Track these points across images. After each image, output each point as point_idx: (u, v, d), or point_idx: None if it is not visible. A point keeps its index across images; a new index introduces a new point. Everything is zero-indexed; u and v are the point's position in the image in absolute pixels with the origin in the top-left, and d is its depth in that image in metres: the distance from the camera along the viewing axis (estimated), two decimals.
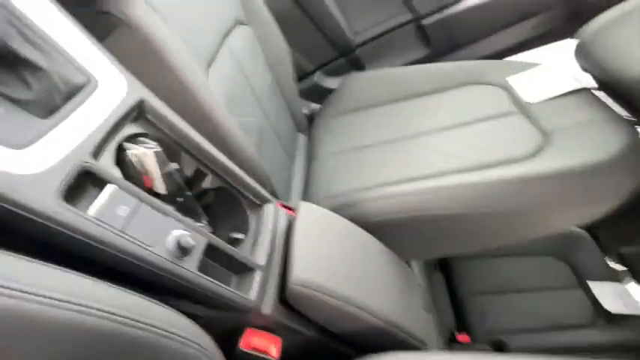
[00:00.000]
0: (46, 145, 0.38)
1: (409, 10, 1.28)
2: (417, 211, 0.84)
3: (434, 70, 1.20)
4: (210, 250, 0.53)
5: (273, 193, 0.83)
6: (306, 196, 1.01)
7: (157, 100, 0.56)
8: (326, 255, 0.63)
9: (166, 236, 0.47)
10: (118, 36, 0.56)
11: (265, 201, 0.71)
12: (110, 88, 0.49)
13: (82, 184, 0.41)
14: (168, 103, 0.60)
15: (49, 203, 0.35)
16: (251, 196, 0.68)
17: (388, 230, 0.84)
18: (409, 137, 1.05)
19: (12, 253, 0.29)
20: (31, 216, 0.34)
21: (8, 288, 0.25)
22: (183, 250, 0.47)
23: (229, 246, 0.56)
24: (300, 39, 1.36)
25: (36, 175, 0.35)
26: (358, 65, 1.44)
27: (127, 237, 0.41)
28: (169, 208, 0.50)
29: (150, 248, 0.43)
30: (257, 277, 0.57)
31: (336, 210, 0.78)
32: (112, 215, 0.41)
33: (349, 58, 1.44)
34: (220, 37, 0.87)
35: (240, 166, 0.71)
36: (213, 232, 0.66)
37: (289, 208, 0.78)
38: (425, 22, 1.28)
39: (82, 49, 0.48)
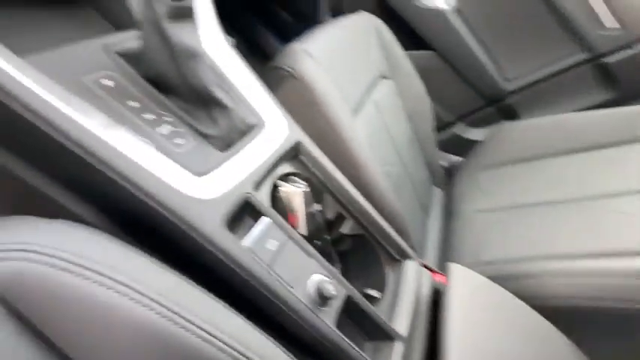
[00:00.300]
0: (219, 175, 0.42)
1: (584, 50, 1.08)
2: (617, 300, 0.60)
3: (619, 117, 0.94)
4: (348, 305, 0.47)
5: (412, 249, 0.74)
6: (447, 257, 0.87)
7: (311, 143, 0.58)
8: (489, 341, 0.49)
9: (307, 279, 0.43)
10: (286, 86, 0.63)
11: (406, 257, 0.62)
12: (275, 129, 0.53)
13: (242, 213, 0.42)
14: (320, 146, 0.61)
15: (213, 227, 0.37)
16: (391, 250, 0.61)
17: (569, 317, 0.62)
18: (591, 198, 0.81)
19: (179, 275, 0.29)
20: (195, 235, 0.36)
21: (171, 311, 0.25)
22: (322, 299, 0.42)
23: (369, 304, 0.49)
24: (442, 89, 1.30)
25: (207, 200, 0.38)
26: (509, 114, 1.28)
27: (273, 273, 0.40)
28: (313, 250, 0.47)
29: (291, 290, 0.41)
30: (398, 349, 0.47)
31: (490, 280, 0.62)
32: (262, 248, 0.40)
33: (498, 107, 1.29)
34: (366, 89, 0.90)
35: (381, 214, 0.66)
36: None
37: (431, 270, 0.67)
38: (608, 60, 1.04)
39: (257, 95, 0.54)
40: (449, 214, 1.04)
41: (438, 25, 1.22)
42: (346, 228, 0.60)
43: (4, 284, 0.23)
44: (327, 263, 0.47)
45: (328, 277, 0.45)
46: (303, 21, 1.40)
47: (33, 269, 0.23)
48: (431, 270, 0.66)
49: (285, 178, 0.56)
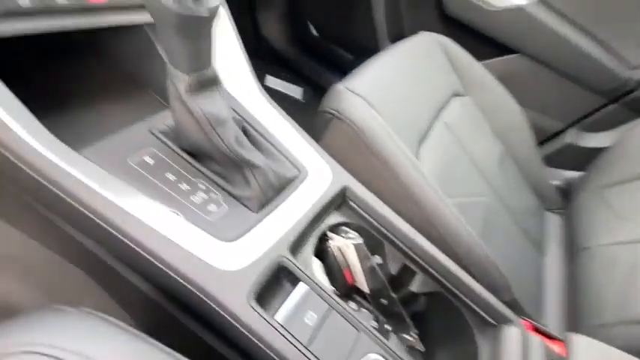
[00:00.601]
0: (251, 238, 0.39)
1: None
2: None
3: None
4: None
5: (514, 305, 0.57)
6: (574, 312, 0.65)
7: (361, 186, 0.52)
8: None
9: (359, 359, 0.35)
10: (333, 129, 0.59)
11: (504, 320, 0.47)
12: (317, 178, 0.49)
13: (277, 279, 0.38)
14: (378, 189, 0.55)
15: (239, 302, 0.34)
16: (480, 311, 0.48)
17: None
18: None
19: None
20: (220, 310, 0.33)
21: None
22: None
23: None
24: (539, 95, 1.09)
25: (234, 272, 0.35)
26: None
27: (311, 356, 0.33)
28: (365, 322, 0.39)
29: None
30: None
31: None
32: (299, 324, 0.35)
33: (624, 102, 1.00)
34: (434, 112, 0.80)
35: (462, 264, 0.53)
36: (426, 353, 0.49)
37: (547, 335, 0.50)
38: None
39: (298, 144, 0.52)
40: (572, 248, 0.80)
41: (519, 24, 1.05)
42: (417, 284, 0.50)
43: None
44: (383, 339, 0.38)
45: (386, 357, 0.36)
46: (365, 55, 1.39)
47: None
48: (546, 335, 0.49)
49: (335, 229, 0.51)
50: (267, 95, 0.55)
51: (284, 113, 0.53)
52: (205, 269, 0.34)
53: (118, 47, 0.55)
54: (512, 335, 0.45)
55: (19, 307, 0.67)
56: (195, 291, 0.34)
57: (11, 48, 0.37)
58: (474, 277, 0.54)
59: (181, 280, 0.33)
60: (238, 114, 0.51)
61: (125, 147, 0.41)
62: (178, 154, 0.43)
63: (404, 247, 0.50)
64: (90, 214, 0.34)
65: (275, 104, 0.55)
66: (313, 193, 0.47)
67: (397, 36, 1.34)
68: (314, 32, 1.47)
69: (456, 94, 0.94)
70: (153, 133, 0.44)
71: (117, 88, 0.56)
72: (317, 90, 1.54)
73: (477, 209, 0.72)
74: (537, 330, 0.50)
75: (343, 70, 1.47)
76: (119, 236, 0.34)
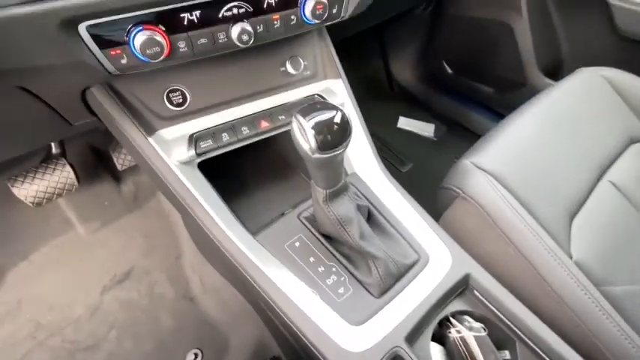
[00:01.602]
0: (372, 325, 0.45)
1: None
2: None
3: None
4: None
5: None
6: None
7: (486, 274, 0.51)
8: None
9: None
10: (457, 208, 0.60)
11: None
12: (437, 263, 0.52)
13: None
14: (507, 278, 0.52)
15: None
16: None
17: None
18: None
19: None
20: None
21: None
22: None
23: None
24: None
25: (358, 354, 0.42)
26: None
27: None
28: None
29: None
30: None
31: None
32: None
33: None
34: (597, 173, 0.67)
35: None
36: None
37: None
38: None
39: (420, 227, 0.55)
40: None
41: None
42: None
43: None
44: None
45: None
46: (509, 89, 1.26)
47: None
48: None
49: (458, 316, 0.51)
50: (394, 181, 0.60)
51: (407, 195, 0.58)
52: (335, 349, 0.43)
53: (279, 142, 0.73)
54: None
55: (214, 324, 0.94)
56: None
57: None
58: None
59: (317, 353, 0.43)
60: (365, 197, 0.59)
61: (283, 234, 0.55)
62: (318, 239, 0.54)
63: (537, 349, 0.46)
64: (258, 287, 0.49)
65: (397, 183, 0.60)
66: (433, 280, 0.50)
67: (552, 64, 1.17)
68: (449, 71, 1.44)
69: (636, 141, 0.76)
70: (301, 220, 0.57)
71: (279, 168, 0.74)
72: (451, 126, 1.48)
73: None
74: None
75: (484, 104, 1.38)
76: (275, 307, 0.47)
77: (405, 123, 1.54)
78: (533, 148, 0.65)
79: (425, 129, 1.51)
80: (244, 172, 0.75)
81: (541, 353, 0.46)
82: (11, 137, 0.60)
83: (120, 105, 0.51)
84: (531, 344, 0.46)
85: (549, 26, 1.12)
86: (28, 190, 0.92)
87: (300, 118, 0.39)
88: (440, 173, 0.67)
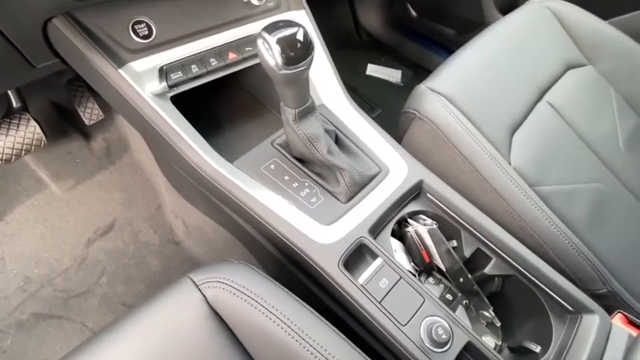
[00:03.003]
0: (341, 224, 0.53)
1: None
2: None
3: None
4: (470, 352, 0.45)
5: (610, 296, 0.55)
6: None
7: (437, 179, 0.59)
8: None
9: (421, 320, 0.46)
10: (415, 128, 0.66)
11: (584, 309, 0.49)
12: (395, 174, 0.59)
13: (359, 254, 0.51)
14: (455, 183, 0.61)
15: (333, 267, 0.48)
16: (556, 296, 0.50)
17: None
18: None
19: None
20: (321, 272, 0.48)
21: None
22: (434, 342, 0.44)
23: (496, 355, 0.45)
24: None
25: (329, 245, 0.50)
26: None
27: (382, 309, 0.46)
28: (431, 293, 0.49)
29: (402, 328, 0.45)
30: None
31: None
32: (375, 286, 0.48)
33: None
34: (536, 94, 0.76)
35: (542, 252, 0.55)
36: (502, 328, 0.55)
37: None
38: None
39: (380, 144, 0.62)
40: None
41: None
42: (490, 267, 0.56)
43: (213, 300, 0.43)
44: (445, 307, 0.47)
45: (444, 320, 0.46)
46: (470, 29, 1.31)
47: (226, 294, 0.43)
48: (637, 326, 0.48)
49: (414, 216, 0.60)
50: (359, 109, 0.66)
51: (369, 118, 0.64)
52: (310, 243, 0.50)
53: (248, 81, 0.75)
54: (589, 324, 0.47)
55: (200, 262, 1.01)
56: (304, 257, 0.50)
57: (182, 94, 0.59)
58: (557, 266, 0.56)
59: (296, 249, 0.50)
60: (332, 123, 0.64)
61: (258, 159, 0.60)
62: (291, 161, 0.60)
63: (478, 234, 0.56)
64: (239, 203, 0.54)
65: (362, 112, 0.66)
66: (391, 186, 0.58)
67: (508, 2, 1.22)
68: (413, 13, 1.46)
69: (572, 66, 0.84)
70: (274, 147, 0.61)
71: (249, 108, 0.77)
72: (417, 71, 1.54)
73: (584, 196, 0.68)
74: (632, 323, 0.50)
75: (446, 47, 1.43)
76: (256, 217, 0.53)
77: (373, 70, 1.58)
78: (482, 72, 0.72)
79: (393, 75, 1.55)
80: (216, 112, 0.78)
81: (481, 237, 0.55)
82: None
83: (86, 37, 0.52)
84: (473, 231, 0.55)
85: None
86: None
87: (266, 35, 0.42)
88: None
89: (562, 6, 0.88)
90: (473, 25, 1.28)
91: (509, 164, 0.64)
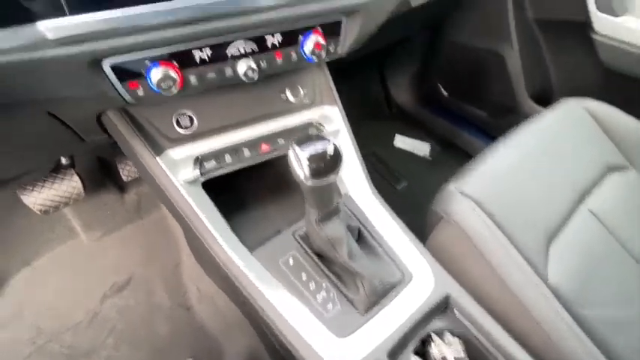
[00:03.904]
0: (357, 338, 0.49)
1: None
2: None
3: None
4: None
5: None
6: None
7: (466, 295, 0.54)
8: None
9: None
10: (442, 231, 0.64)
11: None
12: (420, 283, 0.55)
13: None
14: (485, 298, 0.56)
15: None
16: None
17: None
18: None
19: None
20: None
21: None
22: None
23: None
24: None
25: None
26: None
27: None
28: None
29: None
30: None
31: None
32: None
33: None
34: (576, 199, 0.71)
35: None
36: None
37: None
38: None
39: (405, 247, 0.59)
40: None
41: None
42: None
43: None
44: None
45: None
46: (502, 113, 1.31)
47: None
48: None
49: (440, 334, 0.55)
50: (385, 203, 0.64)
51: (396, 217, 0.62)
52: None
53: (280, 162, 0.77)
54: None
55: (208, 331, 0.97)
56: None
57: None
58: None
59: None
60: (356, 217, 0.63)
61: (277, 251, 0.59)
62: (310, 256, 0.58)
63: None
64: (254, 303, 0.52)
65: (387, 206, 0.64)
66: (415, 299, 0.54)
67: (542, 92, 1.23)
68: (445, 93, 1.50)
69: (613, 169, 0.80)
70: (295, 238, 0.61)
71: (278, 188, 0.78)
72: (446, 146, 1.53)
73: (635, 327, 0.60)
74: None
75: (477, 125, 1.43)
76: (266, 320, 0.51)
77: (401, 141, 1.60)
78: (514, 175, 0.69)
79: (421, 148, 1.56)
80: (246, 189, 0.79)
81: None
82: (31, 153, 0.65)
83: (132, 127, 0.56)
84: (496, 355, 0.50)
85: (539, 57, 1.18)
86: (36, 198, 0.96)
87: (297, 149, 0.44)
88: (433, 192, 0.71)
89: (600, 107, 0.87)
90: (505, 110, 1.29)
91: (546, 280, 0.58)
